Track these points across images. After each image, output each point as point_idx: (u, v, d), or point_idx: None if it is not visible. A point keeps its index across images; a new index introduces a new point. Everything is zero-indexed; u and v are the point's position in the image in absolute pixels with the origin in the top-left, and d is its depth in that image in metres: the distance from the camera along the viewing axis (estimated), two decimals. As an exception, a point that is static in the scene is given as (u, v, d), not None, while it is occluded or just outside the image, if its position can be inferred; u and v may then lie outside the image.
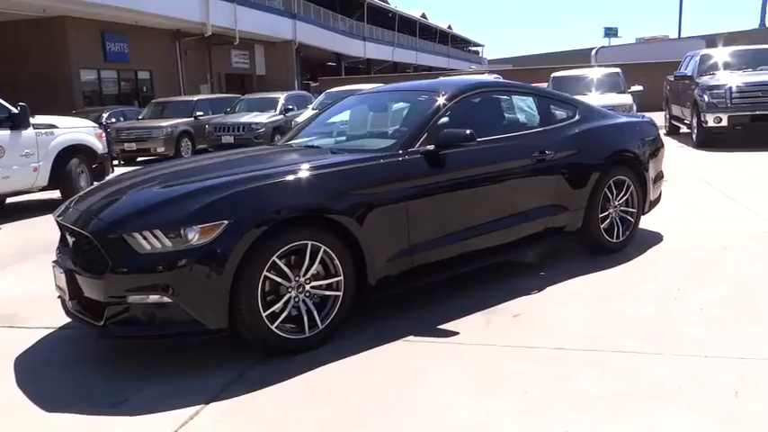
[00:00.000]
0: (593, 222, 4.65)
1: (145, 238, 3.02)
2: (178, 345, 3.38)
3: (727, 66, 12.92)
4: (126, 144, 15.42)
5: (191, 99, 17.75)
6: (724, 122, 11.30)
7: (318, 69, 44.62)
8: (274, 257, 3.13)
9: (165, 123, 15.76)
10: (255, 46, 34.38)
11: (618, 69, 14.77)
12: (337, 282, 3.36)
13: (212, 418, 2.72)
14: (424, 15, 62.43)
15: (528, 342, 3.32)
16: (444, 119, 3.99)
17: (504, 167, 4.12)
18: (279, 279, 3.18)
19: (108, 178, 4.23)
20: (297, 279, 3.24)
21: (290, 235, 3.18)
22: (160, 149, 15.55)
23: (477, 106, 4.27)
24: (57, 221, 3.67)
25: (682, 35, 44.26)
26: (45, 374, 3.29)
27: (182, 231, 3.01)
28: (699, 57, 13.42)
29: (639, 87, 13.76)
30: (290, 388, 2.95)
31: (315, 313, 3.30)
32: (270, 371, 3.12)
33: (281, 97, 16.32)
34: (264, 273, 3.11)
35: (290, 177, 3.34)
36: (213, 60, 30.62)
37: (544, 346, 3.26)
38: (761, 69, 12.30)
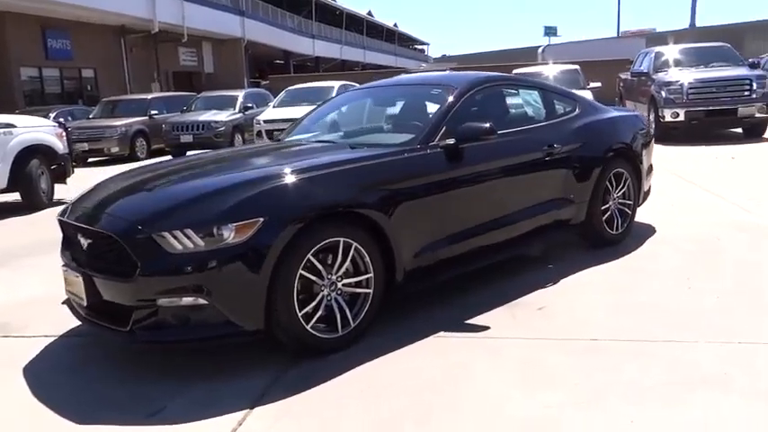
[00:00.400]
0: (595, 215, 4.72)
1: (176, 237, 2.87)
2: (202, 349, 3.24)
3: (678, 63, 13.40)
4: (78, 144, 14.77)
5: (145, 97, 17.21)
6: (681, 117, 11.72)
7: (267, 67, 44.01)
8: (309, 255, 3.04)
9: (118, 123, 15.23)
10: (203, 43, 33.65)
11: (577, 66, 15.10)
12: (367, 279, 3.29)
13: (264, 423, 2.61)
14: (370, 13, 62.48)
15: (559, 334, 3.33)
16: (459, 112, 3.96)
17: (518, 161, 4.14)
18: (313, 277, 3.09)
19: (112, 175, 4.01)
20: (329, 277, 3.15)
21: (323, 232, 3.10)
22: (114, 150, 15.04)
23: (488, 100, 4.26)
24: (63, 222, 3.47)
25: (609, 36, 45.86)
26: (61, 384, 3.10)
27: (214, 230, 2.88)
28: (654, 54, 13.87)
29: (598, 84, 14.10)
30: (334, 388, 2.87)
31: (347, 311, 3.22)
32: (307, 372, 3.03)
33: (240, 95, 16.01)
34: (300, 271, 3.02)
35: (322, 172, 3.26)
36: (160, 58, 29.77)
37: (577, 337, 3.28)
38: (713, 66, 12.82)
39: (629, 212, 5.06)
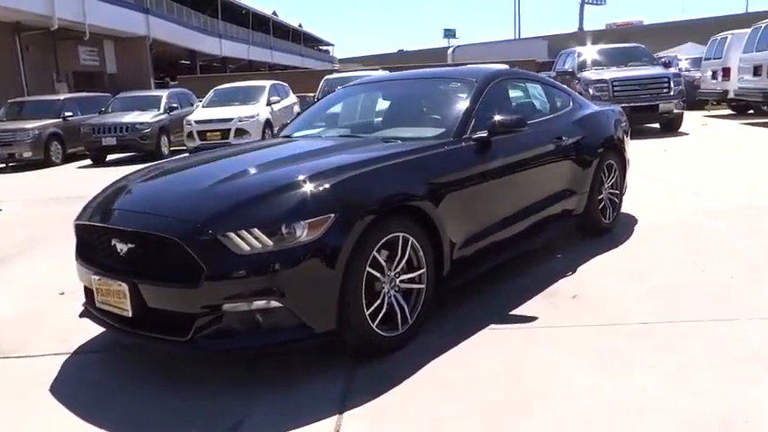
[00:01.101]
0: (593, 205, 4.87)
1: (242, 237, 2.69)
2: (266, 356, 3.05)
3: (598, 63, 14.13)
4: (-15, 149, 13.64)
5: (57, 98, 16.06)
6: None
7: (171, 68, 42.33)
8: (374, 251, 2.94)
9: (30, 125, 14.14)
10: (105, 42, 31.83)
11: (507, 66, 15.47)
12: (420, 274, 3.22)
13: (364, 426, 2.49)
14: (275, 13, 61.53)
15: (606, 320, 3.40)
16: (483, 106, 3.96)
17: (536, 152, 4.20)
18: (378, 274, 2.99)
19: (131, 173, 3.72)
20: (388, 274, 3.06)
21: (387, 226, 3.01)
22: (27, 154, 13.98)
23: (503, 93, 4.29)
24: (88, 226, 3.17)
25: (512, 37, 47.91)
26: (108, 404, 2.83)
27: (283, 228, 2.71)
28: (576, 54, 14.54)
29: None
30: (416, 387, 2.79)
31: (405, 308, 3.14)
32: (377, 372, 2.93)
33: (164, 95, 15.29)
34: (367, 268, 2.91)
35: (380, 166, 3.17)
36: (60, 57, 27.87)
37: (625, 322, 3.36)
38: (631, 65, 13.61)
39: (618, 202, 5.27)
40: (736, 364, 2.82)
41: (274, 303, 2.70)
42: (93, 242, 3.14)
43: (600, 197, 4.96)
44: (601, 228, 5.04)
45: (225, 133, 13.23)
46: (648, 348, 3.02)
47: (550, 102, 4.76)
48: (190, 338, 2.74)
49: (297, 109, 15.96)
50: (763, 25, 13.60)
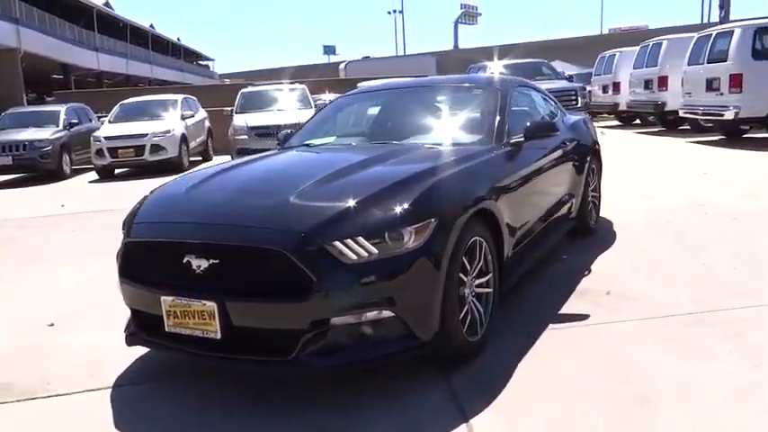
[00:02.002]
0: (585, 207, 5.11)
1: (348, 246, 2.55)
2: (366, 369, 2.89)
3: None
4: None
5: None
6: None
7: (41, 83, 39.33)
8: (462, 256, 2.90)
9: None
10: (-32, 54, 29.06)
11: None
12: (487, 279, 3.22)
13: (497, 429, 2.44)
14: (152, 26, 59.06)
15: (654, 313, 3.55)
16: (509, 112, 4.04)
17: (553, 156, 4.34)
18: (465, 279, 2.95)
19: (175, 183, 3.45)
20: (467, 278, 3.04)
21: (472, 231, 2.98)
22: None
23: (520, 100, 4.40)
24: (146, 243, 2.89)
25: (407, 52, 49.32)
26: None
27: (386, 235, 2.61)
28: (487, 68, 15.19)
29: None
30: (522, 386, 2.77)
31: (482, 313, 3.12)
32: (472, 377, 2.88)
33: (62, 110, 14.14)
34: (459, 273, 2.87)
35: (456, 171, 3.14)
36: None
37: (674, 313, 3.53)
38: (539, 79, 14.33)
39: (598, 204, 5.56)
40: (800, 343, 3.05)
41: (386, 313, 2.58)
42: (157, 260, 2.85)
43: (589, 199, 5.21)
44: (589, 229, 5.28)
45: (139, 150, 12.47)
46: (713, 336, 3.20)
47: (549, 108, 4.94)
48: (294, 357, 2.56)
49: (208, 124, 15.38)
50: (651, 43, 14.92)
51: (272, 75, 57.41)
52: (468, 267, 2.98)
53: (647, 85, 14.63)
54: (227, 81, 36.28)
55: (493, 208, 3.21)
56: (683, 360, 2.96)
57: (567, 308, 3.71)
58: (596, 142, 5.46)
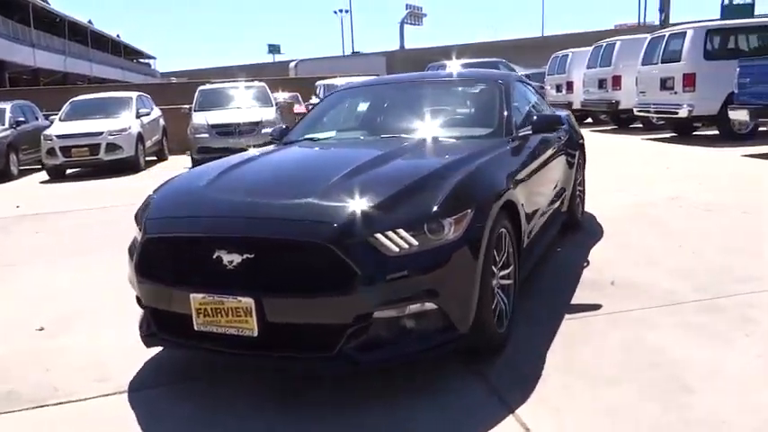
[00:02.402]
0: (574, 200, 5.20)
1: (389, 238, 2.51)
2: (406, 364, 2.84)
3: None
4: None
5: None
6: None
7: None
8: (493, 247, 2.89)
9: None
10: None
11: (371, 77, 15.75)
12: (509, 271, 3.22)
13: (546, 420, 2.43)
14: (90, 22, 57.06)
15: (664, 301, 3.62)
16: (514, 105, 4.06)
17: (552, 151, 4.39)
18: (494, 270, 2.94)
19: (195, 175, 3.33)
20: (495, 269, 3.03)
21: (500, 221, 2.97)
22: None
23: (520, 94, 4.42)
24: (170, 239, 2.77)
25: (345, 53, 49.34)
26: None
27: (426, 226, 2.57)
28: (446, 67, 15.28)
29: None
30: (558, 374, 2.79)
31: (506, 304, 3.12)
32: (507, 366, 2.88)
33: (8, 107, 13.45)
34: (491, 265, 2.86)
35: (482, 162, 3.13)
36: None
37: (682, 301, 3.62)
38: None
39: (583, 198, 5.66)
40: (810, 326, 3.18)
41: (428, 306, 2.54)
42: (183, 257, 2.73)
43: (577, 193, 5.30)
44: (577, 222, 5.38)
45: (94, 149, 12.00)
46: (726, 321, 3.29)
47: (540, 102, 5.00)
48: (337, 352, 2.49)
49: (163, 122, 14.95)
50: (604, 44, 15.35)
51: (215, 74, 56.25)
52: (497, 258, 2.97)
53: (601, 84, 15.04)
54: (174, 80, 35.22)
55: (514, 199, 3.22)
56: (705, 345, 3.03)
57: (577, 298, 3.76)
58: (582, 137, 5.56)
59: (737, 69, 9.81)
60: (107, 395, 2.92)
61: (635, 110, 13.20)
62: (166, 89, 24.74)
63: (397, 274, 2.49)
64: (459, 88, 4.47)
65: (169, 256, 2.78)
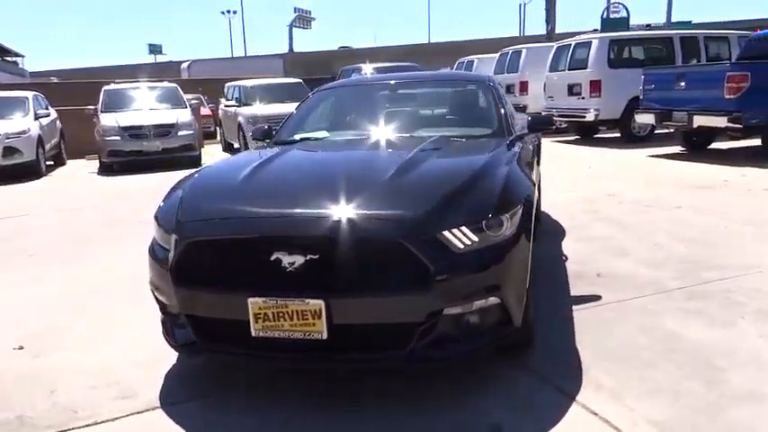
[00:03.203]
0: (539, 196, 5.43)
1: (454, 235, 2.53)
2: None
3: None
4: None
5: None
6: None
7: None
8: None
9: None
10: None
11: (300, 80, 15.52)
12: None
13: (609, 404, 2.55)
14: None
15: (654, 289, 3.88)
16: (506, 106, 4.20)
17: (533, 149, 4.56)
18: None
19: (199, 175, 3.14)
20: (527, 263, 3.13)
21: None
22: None
23: (504, 95, 4.57)
24: (216, 242, 2.62)
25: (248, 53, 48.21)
26: None
27: (485, 222, 2.62)
28: (361, 70, 15.40)
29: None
30: (599, 362, 2.92)
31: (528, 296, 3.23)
32: (546, 356, 2.98)
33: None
34: (526, 259, 2.96)
35: (513, 159, 3.21)
36: None
37: (668, 289, 3.90)
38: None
39: (539, 194, 5.92)
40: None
41: (492, 300, 2.59)
42: (232, 260, 2.59)
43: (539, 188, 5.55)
44: (538, 217, 5.61)
45: (-11, 152, 10.96)
46: (718, 305, 3.58)
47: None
48: (410, 351, 2.48)
49: (60, 125, 13.91)
50: (510, 51, 16.07)
51: (92, 74, 52.98)
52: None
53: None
54: (54, 79, 32.76)
55: (534, 195, 3.34)
56: (711, 328, 3.30)
57: (575, 290, 3.95)
58: (539, 137, 5.82)
59: (642, 77, 10.65)
60: (140, 413, 2.72)
61: (543, 114, 13.90)
62: (46, 90, 22.97)
63: (466, 271, 2.52)
64: (455, 89, 4.55)
65: (216, 260, 2.64)
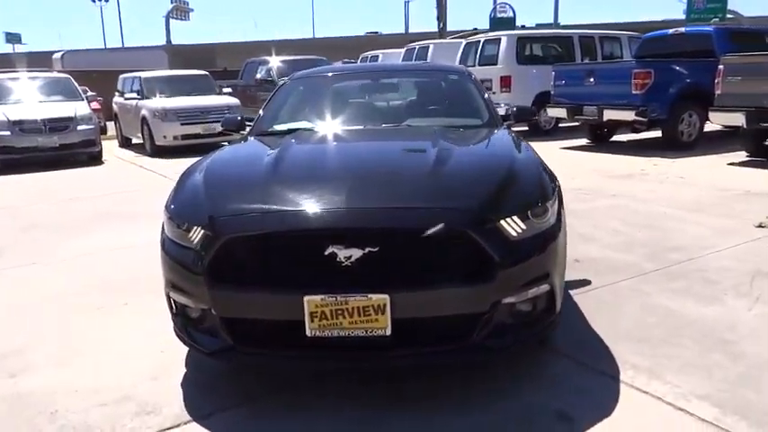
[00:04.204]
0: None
1: (509, 224, 2.51)
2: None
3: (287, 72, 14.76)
4: None
5: None
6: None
7: None
8: None
9: None
10: None
11: (206, 72, 14.77)
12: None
13: (660, 380, 2.64)
14: None
15: (632, 272, 4.07)
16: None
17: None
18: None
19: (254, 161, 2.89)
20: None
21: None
22: None
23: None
24: (260, 237, 2.43)
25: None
26: None
27: (530, 211, 2.60)
28: (268, 63, 14.98)
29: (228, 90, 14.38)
30: (623, 344, 3.01)
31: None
32: (574, 341, 3.04)
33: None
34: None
35: (525, 145, 3.24)
36: None
37: (646, 271, 4.10)
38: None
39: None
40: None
41: (543, 288, 2.59)
42: (280, 256, 2.41)
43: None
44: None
45: None
46: (699, 284, 3.82)
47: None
48: (472, 342, 2.43)
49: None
50: (417, 47, 16.30)
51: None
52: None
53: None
54: None
55: None
56: (705, 305, 3.51)
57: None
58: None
59: (553, 73, 11.17)
60: (170, 428, 2.48)
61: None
62: None
63: (523, 259, 2.50)
64: (440, 79, 4.49)
65: (261, 258, 2.44)
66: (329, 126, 3.84)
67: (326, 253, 2.34)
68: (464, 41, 14.20)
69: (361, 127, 3.78)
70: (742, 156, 8.83)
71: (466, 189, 2.61)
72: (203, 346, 2.58)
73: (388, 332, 2.36)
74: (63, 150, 11.03)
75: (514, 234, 2.50)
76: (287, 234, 2.42)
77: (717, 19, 23.83)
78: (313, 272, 2.39)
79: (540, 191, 2.72)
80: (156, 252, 2.75)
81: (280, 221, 2.44)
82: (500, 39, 12.83)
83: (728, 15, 26.48)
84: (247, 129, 4.10)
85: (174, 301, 2.68)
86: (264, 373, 2.83)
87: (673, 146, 9.78)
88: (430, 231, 2.34)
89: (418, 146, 3.22)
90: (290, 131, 3.74)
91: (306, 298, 2.33)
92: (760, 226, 5.09)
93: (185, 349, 2.93)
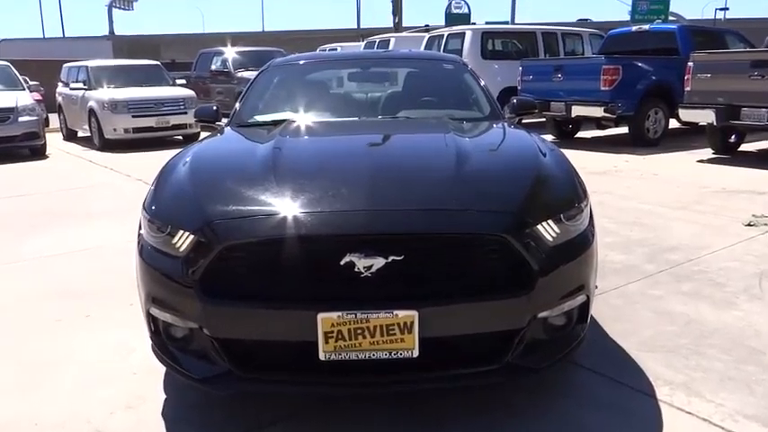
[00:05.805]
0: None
1: (545, 228, 2.24)
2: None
3: (244, 64, 14.23)
4: None
5: None
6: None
7: None
8: None
9: None
10: None
11: (158, 62, 14.06)
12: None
13: (685, 386, 2.42)
14: None
15: (637, 275, 3.88)
16: (483, 87, 3.96)
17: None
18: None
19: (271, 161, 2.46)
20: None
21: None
22: None
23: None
24: (270, 242, 2.07)
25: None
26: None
27: (567, 215, 2.32)
28: (223, 55, 14.41)
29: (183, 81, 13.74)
30: (646, 352, 2.79)
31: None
32: (590, 354, 2.80)
33: None
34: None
35: (540, 139, 2.99)
36: None
37: (650, 273, 3.92)
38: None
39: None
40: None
41: (579, 299, 2.32)
42: (288, 266, 2.06)
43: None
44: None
45: None
46: (704, 286, 3.65)
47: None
48: (506, 363, 2.14)
49: None
50: (377, 40, 15.99)
51: None
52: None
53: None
54: None
55: None
56: (719, 309, 3.33)
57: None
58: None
59: (520, 68, 11.03)
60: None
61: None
62: None
63: (560, 267, 2.23)
64: (431, 69, 4.17)
65: (265, 268, 2.09)
66: (321, 117, 3.49)
67: (343, 263, 2.01)
68: (427, 35, 13.95)
69: (357, 119, 3.43)
70: (708, 153, 8.86)
71: (500, 189, 2.32)
72: (191, 371, 2.21)
73: (416, 353, 2.05)
74: (3, 143, 10.26)
75: (550, 239, 2.23)
76: (297, 240, 2.06)
77: (659, 20, 24.35)
78: (327, 285, 2.05)
79: (573, 191, 2.46)
80: (117, 255, 2.37)
81: (289, 226, 2.08)
82: (464, 33, 12.64)
83: (670, 18, 27.07)
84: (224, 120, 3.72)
85: (154, 318, 2.30)
86: (267, 399, 2.48)
87: (639, 142, 9.77)
88: (465, 235, 2.04)
89: (434, 140, 2.91)
90: (275, 123, 3.36)
91: (320, 316, 1.99)
92: (749, 225, 4.99)
93: (162, 369, 2.56)
